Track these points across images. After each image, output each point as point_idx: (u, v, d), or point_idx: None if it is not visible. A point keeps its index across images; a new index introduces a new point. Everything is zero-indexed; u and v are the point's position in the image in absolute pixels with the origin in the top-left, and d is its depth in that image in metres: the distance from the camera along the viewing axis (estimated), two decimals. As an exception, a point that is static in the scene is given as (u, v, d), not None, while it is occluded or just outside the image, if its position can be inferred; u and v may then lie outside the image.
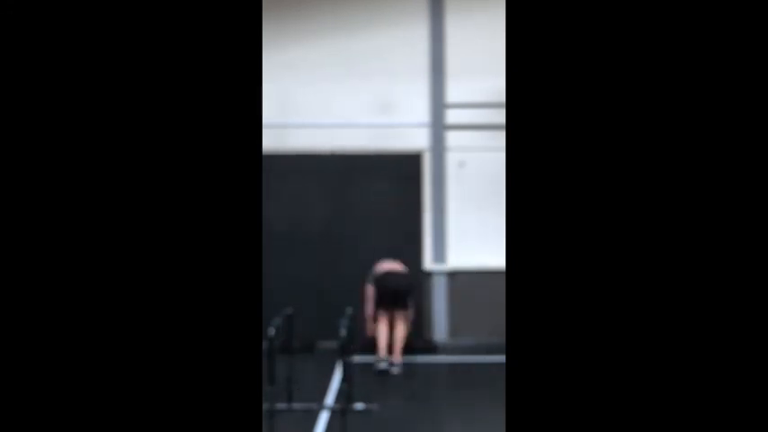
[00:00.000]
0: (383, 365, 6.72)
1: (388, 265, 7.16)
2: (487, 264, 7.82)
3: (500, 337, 7.19)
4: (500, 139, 7.66)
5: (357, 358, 6.68)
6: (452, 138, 7.98)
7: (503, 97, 7.57)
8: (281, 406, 5.34)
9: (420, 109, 7.97)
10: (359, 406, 5.54)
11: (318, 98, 7.94)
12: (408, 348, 7.44)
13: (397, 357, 6.81)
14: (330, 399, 5.86)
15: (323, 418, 5.37)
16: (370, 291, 6.94)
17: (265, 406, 4.82)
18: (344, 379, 5.49)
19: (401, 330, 6.88)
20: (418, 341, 7.57)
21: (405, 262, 7.36)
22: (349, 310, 5.67)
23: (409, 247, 7.88)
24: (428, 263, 7.94)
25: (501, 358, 6.82)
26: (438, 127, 7.96)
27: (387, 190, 7.97)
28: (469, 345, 7.74)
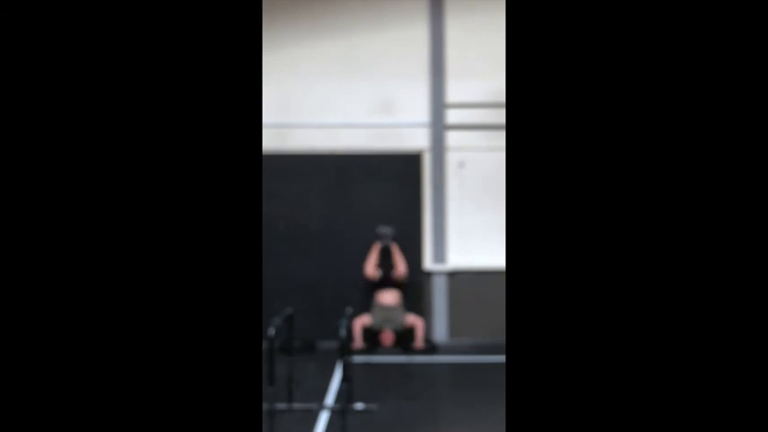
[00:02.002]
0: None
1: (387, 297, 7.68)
2: (487, 264, 7.82)
3: (500, 337, 7.19)
4: (500, 139, 7.66)
5: (357, 358, 6.68)
6: (452, 138, 7.97)
7: (503, 97, 7.56)
8: (281, 406, 5.34)
9: (420, 109, 7.97)
10: (359, 406, 5.54)
11: (318, 98, 7.93)
12: (408, 349, 7.45)
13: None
14: (330, 399, 5.86)
15: (323, 418, 5.37)
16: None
17: (265, 406, 4.82)
18: (344, 379, 5.49)
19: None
20: (418, 341, 7.57)
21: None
22: (349, 310, 5.67)
23: (409, 247, 7.88)
24: (428, 263, 7.94)
25: (501, 358, 6.82)
26: (438, 127, 7.96)
27: (387, 190, 7.97)
28: (469, 345, 7.74)
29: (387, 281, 7.71)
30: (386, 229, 7.69)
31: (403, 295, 7.70)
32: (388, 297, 7.62)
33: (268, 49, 7.67)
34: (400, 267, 7.63)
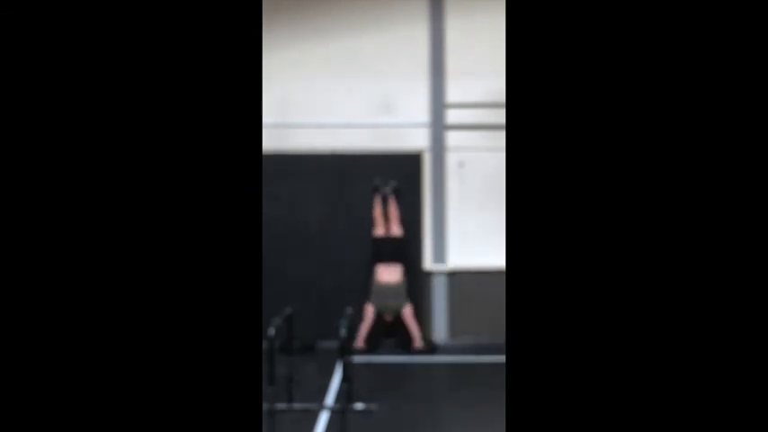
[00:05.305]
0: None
1: (386, 274, 7.48)
2: (487, 264, 7.82)
3: (500, 337, 7.19)
4: (500, 139, 7.66)
5: (357, 358, 6.68)
6: (452, 138, 7.97)
7: (503, 97, 7.56)
8: (281, 406, 5.34)
9: (420, 109, 7.97)
10: (359, 406, 5.54)
11: (319, 98, 7.93)
12: (408, 348, 7.45)
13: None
14: (330, 399, 5.86)
15: (323, 418, 5.37)
16: (369, 311, 7.39)
17: (265, 406, 4.82)
18: (344, 379, 5.49)
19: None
20: (416, 341, 7.57)
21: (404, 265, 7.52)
22: (349, 310, 5.67)
23: (409, 248, 7.88)
24: (428, 263, 7.94)
25: (501, 358, 6.82)
26: (438, 127, 7.96)
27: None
28: (469, 345, 7.74)
29: (388, 248, 7.61)
30: (381, 182, 7.77)
31: (405, 271, 7.58)
32: (387, 274, 7.49)
33: (268, 49, 7.67)
34: (394, 225, 7.67)
